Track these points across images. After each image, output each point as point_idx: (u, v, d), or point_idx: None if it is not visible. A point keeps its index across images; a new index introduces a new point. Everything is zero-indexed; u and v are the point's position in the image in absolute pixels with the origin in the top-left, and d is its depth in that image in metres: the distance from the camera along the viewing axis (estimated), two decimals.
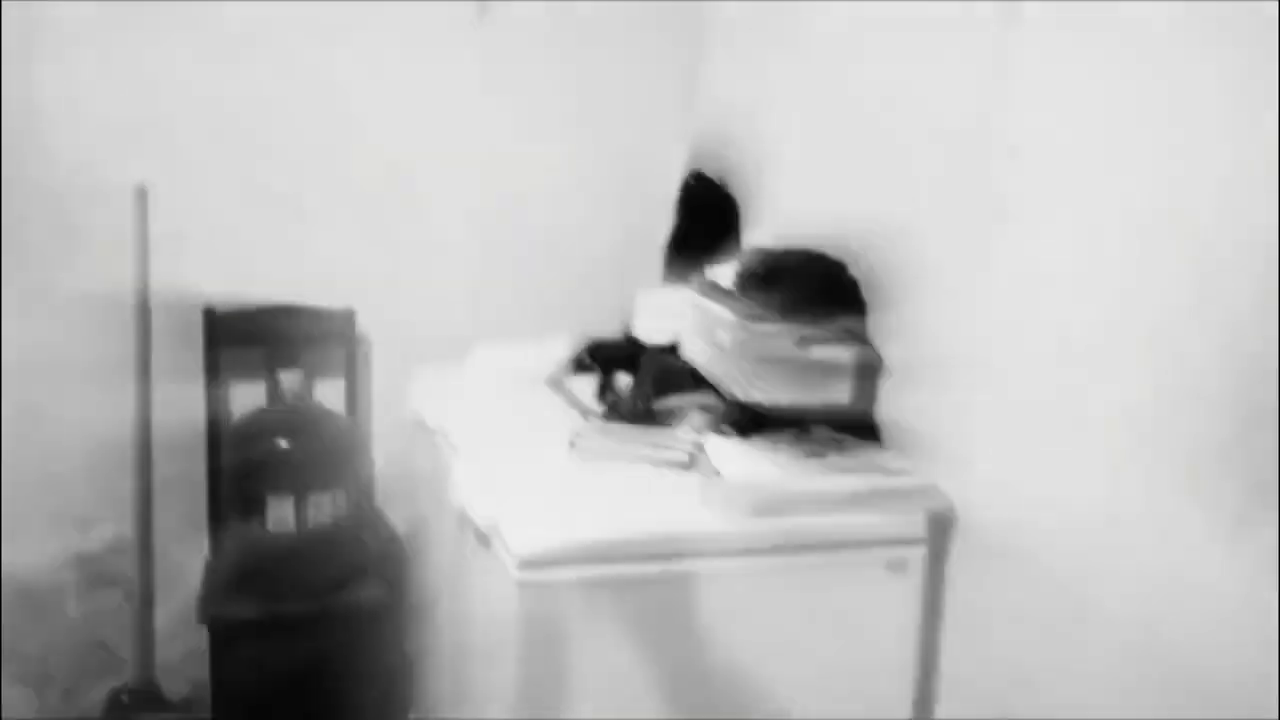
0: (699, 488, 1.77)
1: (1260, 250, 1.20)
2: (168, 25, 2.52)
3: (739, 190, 2.55)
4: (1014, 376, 1.62)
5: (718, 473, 1.75)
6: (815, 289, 1.95)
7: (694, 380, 2.07)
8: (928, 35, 1.81)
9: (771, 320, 1.90)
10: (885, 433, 1.92)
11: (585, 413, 2.15)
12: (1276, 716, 0.97)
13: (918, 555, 1.75)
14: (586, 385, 2.34)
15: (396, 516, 2.76)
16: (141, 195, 2.52)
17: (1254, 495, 1.20)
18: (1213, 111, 1.28)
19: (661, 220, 2.74)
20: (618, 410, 2.12)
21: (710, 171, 2.63)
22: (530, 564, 1.59)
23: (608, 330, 2.66)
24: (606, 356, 2.33)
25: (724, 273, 2.09)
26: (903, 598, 1.76)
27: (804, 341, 1.89)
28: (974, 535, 1.71)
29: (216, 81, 2.59)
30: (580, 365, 2.53)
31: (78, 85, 2.48)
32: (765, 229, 2.38)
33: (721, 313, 1.95)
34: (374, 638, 2.49)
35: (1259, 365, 1.20)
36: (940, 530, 1.75)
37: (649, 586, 1.65)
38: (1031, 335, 1.58)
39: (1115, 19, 1.44)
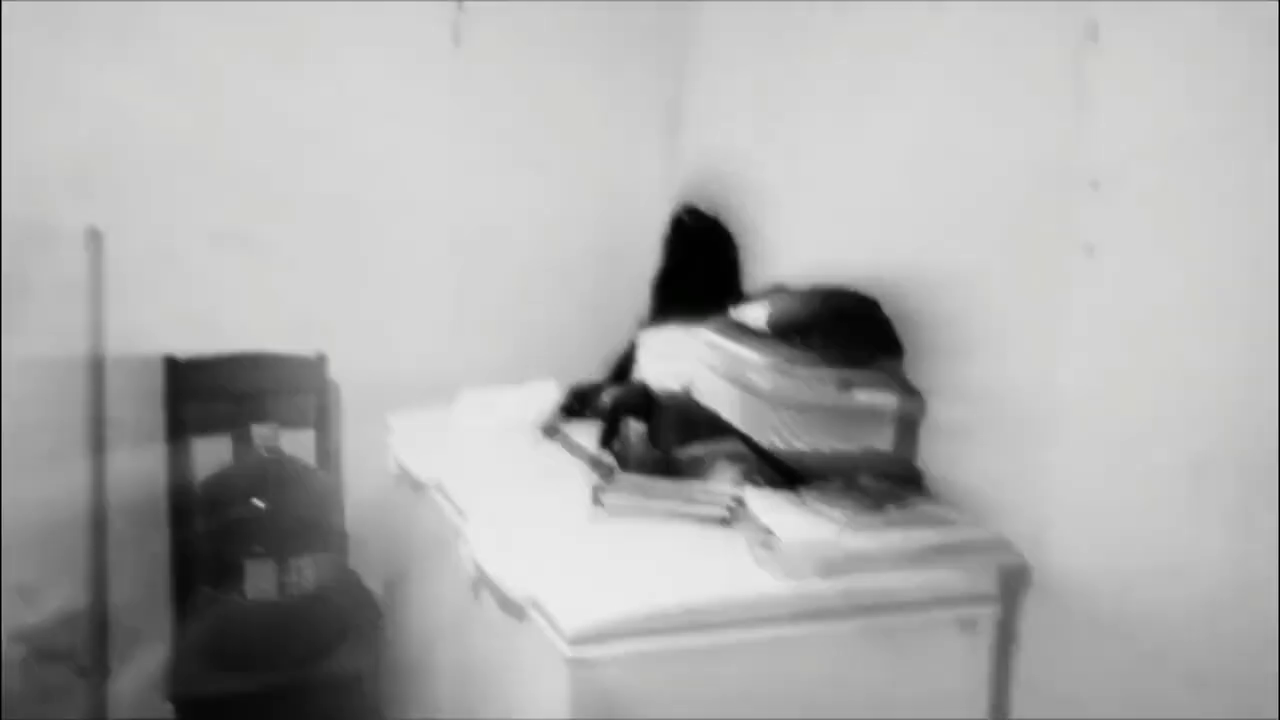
0: (750, 548, 1.58)
1: None
2: (121, 58, 2.27)
3: (736, 225, 2.39)
4: (1097, 421, 1.47)
5: (767, 530, 1.56)
6: (854, 330, 1.79)
7: (716, 427, 1.88)
8: (985, 63, 1.67)
9: (810, 364, 1.73)
10: (930, 482, 1.76)
11: (598, 464, 1.95)
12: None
13: (989, 613, 1.58)
14: (586, 433, 2.14)
15: (371, 576, 2.51)
16: (95, 238, 2.25)
17: None
18: None
19: (645, 256, 2.56)
20: (631, 460, 1.92)
21: (703, 205, 2.46)
22: (583, 640, 1.38)
23: (594, 373, 2.48)
24: (613, 402, 2.12)
25: (750, 313, 1.92)
26: (973, 658, 1.59)
27: (846, 386, 1.73)
28: (1049, 590, 1.56)
29: (174, 116, 2.34)
30: (573, 411, 2.33)
31: (24, 121, 2.21)
32: (775, 267, 2.21)
33: (753, 356, 1.77)
34: (355, 709, 2.24)
35: None
36: (1012, 586, 1.59)
37: (706, 657, 1.45)
38: (1119, 378, 1.43)
39: (1201, 39, 1.32)
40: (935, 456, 1.76)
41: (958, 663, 1.58)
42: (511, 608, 1.52)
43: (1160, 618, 1.40)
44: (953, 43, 1.73)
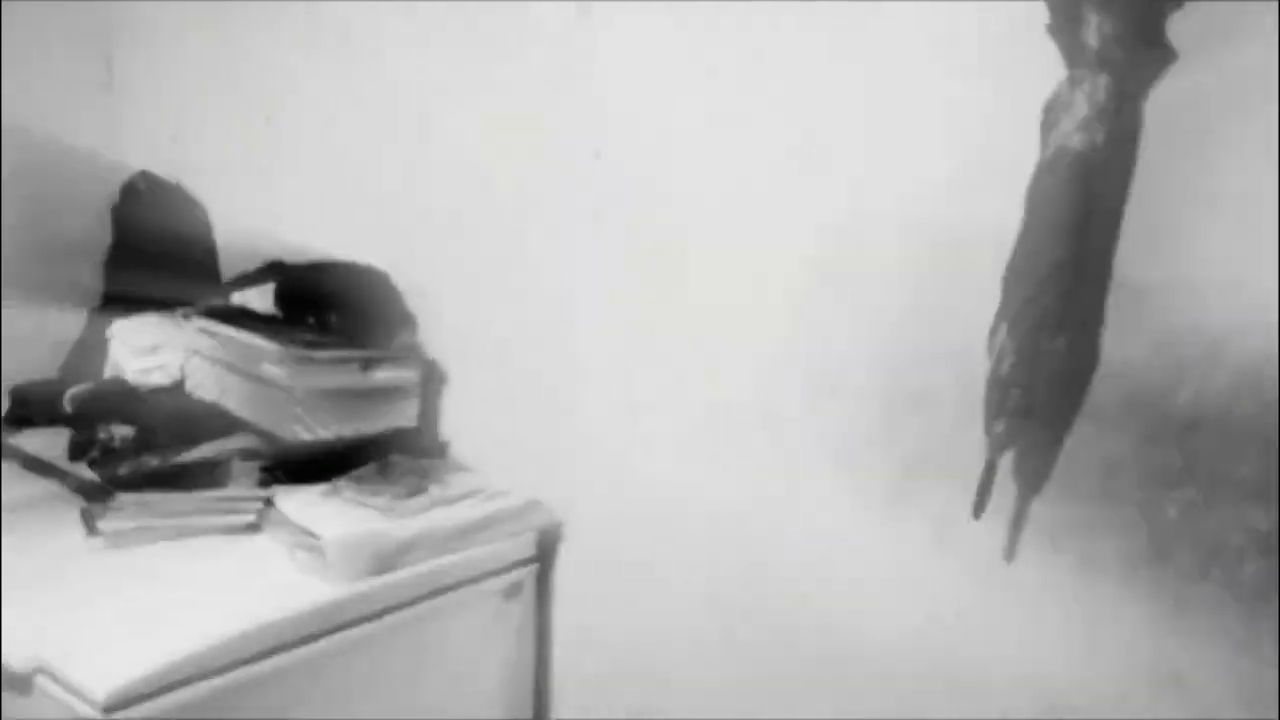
0: (290, 554, 1.43)
1: (895, 238, 1.22)
2: None
3: (200, 194, 2.12)
4: (616, 377, 1.53)
5: (307, 532, 1.43)
6: (368, 306, 1.68)
7: (223, 423, 1.67)
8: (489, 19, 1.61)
9: (329, 346, 1.59)
10: (456, 453, 1.73)
11: (78, 483, 1.64)
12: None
13: (530, 575, 1.60)
14: (48, 443, 1.80)
15: None
16: None
17: (905, 474, 1.24)
18: (834, 97, 1.27)
19: (79, 229, 2.18)
20: (121, 473, 1.64)
21: (159, 175, 2.14)
22: (118, 704, 1.16)
23: (41, 370, 2.09)
24: (80, 403, 1.79)
25: (249, 294, 1.72)
26: (517, 620, 1.60)
27: (367, 366, 1.62)
28: (580, 541, 1.61)
29: None
30: (20, 418, 1.94)
31: None
32: (255, 241, 1.99)
33: (265, 344, 1.59)
34: None
35: (900, 354, 1.23)
36: (548, 546, 1.62)
37: (266, 686, 1.30)
38: (631, 336, 1.49)
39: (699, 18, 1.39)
40: (460, 426, 1.73)
41: (504, 628, 1.59)
42: (12, 682, 1.23)
43: (676, 548, 1.50)
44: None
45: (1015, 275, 1.05)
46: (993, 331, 1.07)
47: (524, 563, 1.60)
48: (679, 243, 1.44)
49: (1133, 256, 1.02)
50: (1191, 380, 1.00)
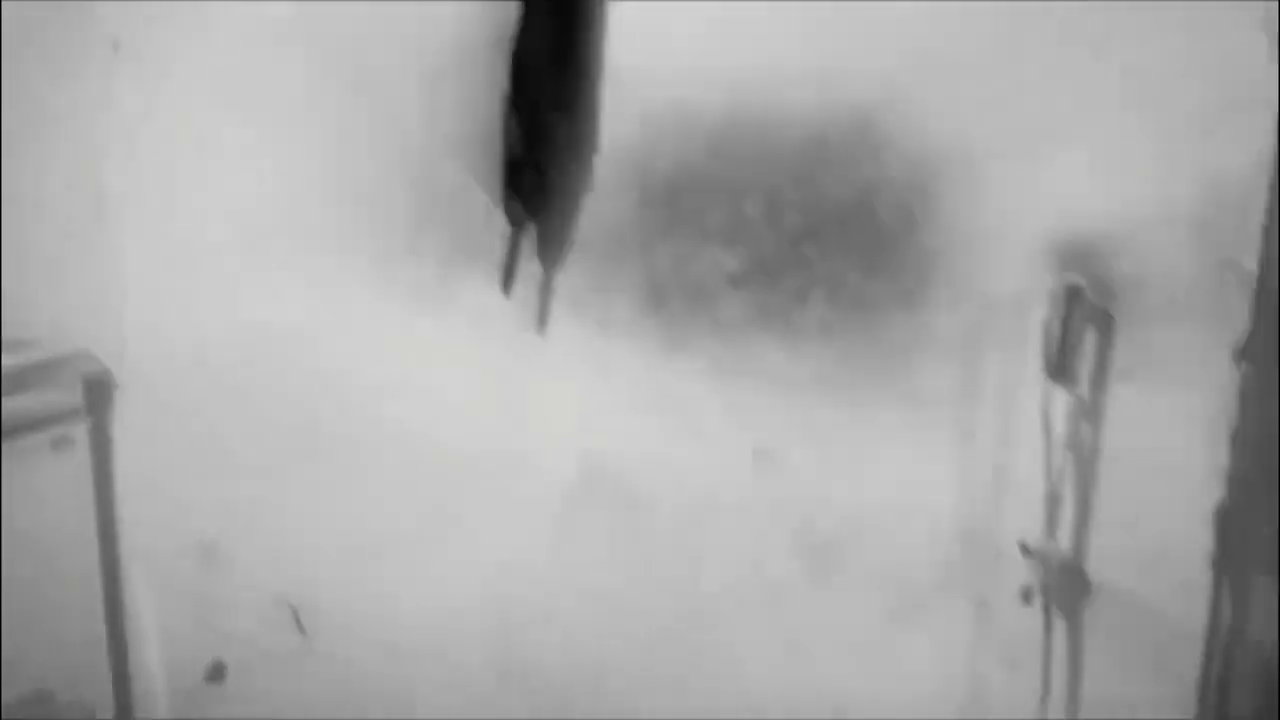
0: None
1: (414, 48, 1.25)
2: None
3: None
4: (151, 213, 1.44)
5: None
6: None
7: None
8: None
9: None
10: None
11: None
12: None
13: (81, 427, 1.49)
14: None
15: None
16: None
17: (443, 269, 1.29)
18: None
19: None
20: None
21: None
22: None
23: None
24: None
25: None
26: (72, 472, 1.49)
27: None
28: (145, 389, 1.52)
29: None
30: None
31: None
32: None
33: None
34: None
35: (429, 157, 1.27)
36: (99, 395, 1.51)
37: None
38: (185, 172, 1.42)
39: None
40: None
41: (59, 481, 1.48)
42: None
43: (234, 378, 1.47)
44: None
45: (518, 66, 1.13)
46: (504, 119, 1.15)
47: (71, 414, 1.49)
48: (201, 75, 1.38)
49: (619, 43, 1.13)
50: (671, 148, 1.14)
